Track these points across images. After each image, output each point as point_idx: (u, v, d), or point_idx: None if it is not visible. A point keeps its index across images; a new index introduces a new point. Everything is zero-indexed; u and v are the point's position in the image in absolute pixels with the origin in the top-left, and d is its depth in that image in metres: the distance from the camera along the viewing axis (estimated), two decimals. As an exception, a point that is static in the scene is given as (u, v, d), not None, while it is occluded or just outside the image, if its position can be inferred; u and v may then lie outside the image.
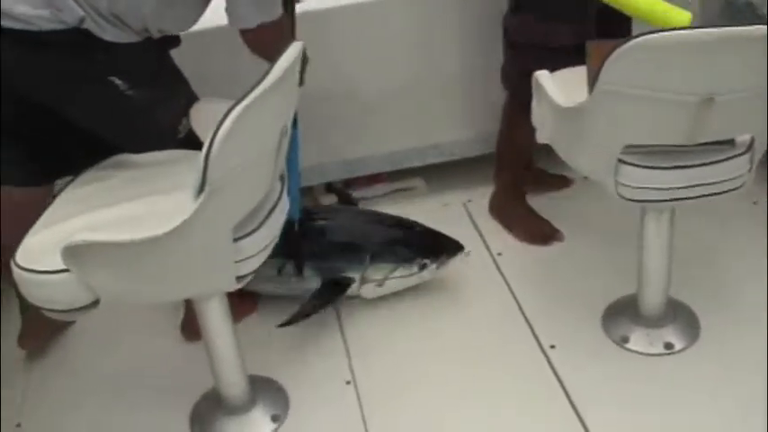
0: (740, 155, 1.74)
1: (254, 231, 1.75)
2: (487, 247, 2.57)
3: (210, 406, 2.08)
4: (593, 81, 1.69)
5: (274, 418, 2.06)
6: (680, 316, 2.17)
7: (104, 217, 1.71)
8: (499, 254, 2.54)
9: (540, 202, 2.67)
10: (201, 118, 1.94)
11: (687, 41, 1.52)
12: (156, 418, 2.08)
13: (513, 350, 2.20)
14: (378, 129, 2.74)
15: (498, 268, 2.48)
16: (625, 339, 2.15)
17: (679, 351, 2.11)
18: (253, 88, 1.53)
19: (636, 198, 1.83)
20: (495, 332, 2.26)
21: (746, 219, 2.49)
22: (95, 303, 1.66)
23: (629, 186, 1.81)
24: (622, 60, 1.58)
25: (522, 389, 2.08)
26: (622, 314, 2.20)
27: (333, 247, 2.36)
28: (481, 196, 2.78)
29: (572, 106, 1.77)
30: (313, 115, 2.26)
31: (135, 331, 2.35)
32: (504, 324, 2.29)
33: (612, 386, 2.05)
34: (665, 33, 1.52)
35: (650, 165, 1.77)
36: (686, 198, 1.81)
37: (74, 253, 1.56)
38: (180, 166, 1.84)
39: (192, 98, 2.01)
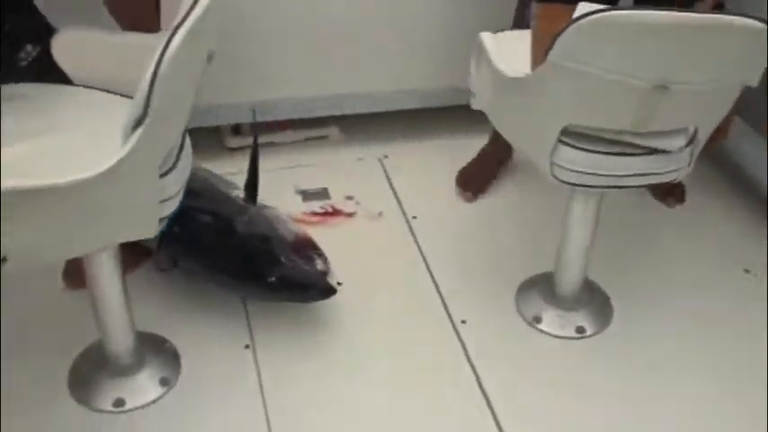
0: (683, 147, 1.66)
1: (174, 166, 1.59)
2: (402, 209, 2.45)
3: (93, 364, 1.90)
4: (543, 51, 1.56)
5: (163, 382, 1.90)
6: (594, 300, 2.12)
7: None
8: (414, 217, 2.42)
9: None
10: (65, 48, 1.75)
11: (652, 22, 1.41)
12: (31, 375, 1.88)
13: (422, 322, 2.10)
14: (295, 71, 2.55)
15: (412, 232, 2.37)
16: (537, 319, 2.08)
17: (590, 335, 2.06)
18: (191, 10, 1.39)
19: (570, 181, 1.73)
20: (404, 301, 2.16)
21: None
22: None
23: (564, 168, 1.71)
24: (580, 35, 1.46)
25: (428, 363, 1.99)
26: (537, 293, 2.13)
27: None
28: (399, 152, 2.66)
29: (517, 76, 1.65)
30: (225, 51, 2.05)
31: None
32: (414, 294, 2.18)
33: (520, 366, 1.99)
34: (630, 12, 1.41)
35: (590, 148, 1.67)
36: (620, 186, 1.73)
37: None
38: (51, 101, 1.67)
39: (42, 26, 1.79)
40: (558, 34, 1.47)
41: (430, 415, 1.87)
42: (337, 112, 2.64)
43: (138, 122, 1.39)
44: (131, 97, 1.42)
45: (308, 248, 2.00)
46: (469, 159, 2.55)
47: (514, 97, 1.70)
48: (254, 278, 1.97)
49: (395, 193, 2.50)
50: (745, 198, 2.49)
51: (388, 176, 2.57)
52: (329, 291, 1.95)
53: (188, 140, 1.69)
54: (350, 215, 2.41)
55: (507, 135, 1.80)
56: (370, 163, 2.63)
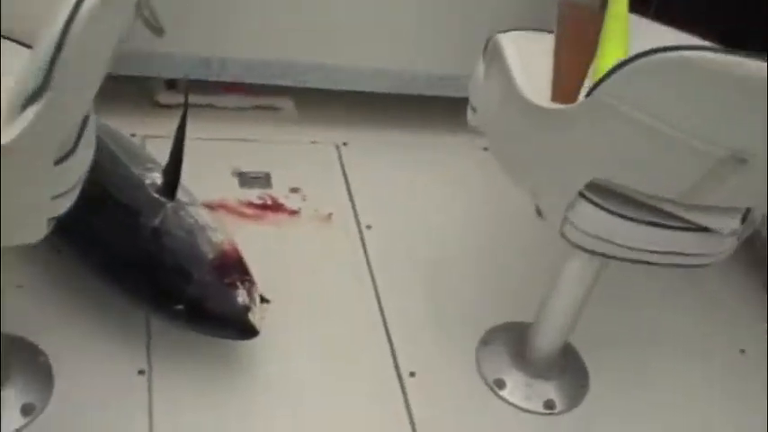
0: (736, 229, 1.30)
1: (73, 151, 1.16)
2: (355, 215, 2.04)
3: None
4: (575, 79, 1.18)
5: (26, 410, 1.47)
6: (569, 369, 1.77)
7: None
8: (368, 227, 2.02)
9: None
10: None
11: (755, 75, 1.03)
12: None
13: (362, 366, 1.72)
14: (253, 27, 2.09)
15: (364, 247, 1.97)
16: (500, 384, 1.72)
17: (558, 412, 1.71)
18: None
19: (584, 246, 1.36)
20: (343, 334, 1.77)
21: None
22: None
23: (579, 230, 1.33)
24: (650, 75, 1.07)
25: (359, 418, 1.62)
26: (503, 349, 1.77)
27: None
28: (361, 141, 2.25)
29: (545, 107, 1.25)
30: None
31: None
32: (356, 327, 1.79)
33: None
34: (730, 57, 1.02)
35: (617, 211, 1.30)
36: (642, 261, 1.36)
37: None
38: None
39: None
40: (619, 67, 1.08)
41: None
42: (295, 84, 2.20)
43: (34, 97, 0.98)
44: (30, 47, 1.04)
45: (231, 270, 1.57)
46: (444, 161, 2.15)
47: (534, 129, 1.30)
48: (157, 301, 1.55)
49: (349, 193, 2.10)
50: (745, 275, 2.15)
51: (344, 169, 2.16)
52: (249, 331, 1.54)
53: (92, 115, 1.25)
54: (293, 213, 2.00)
55: (510, 170, 1.42)
56: (326, 149, 2.22)
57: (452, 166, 2.22)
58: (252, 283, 1.59)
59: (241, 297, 1.54)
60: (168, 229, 1.58)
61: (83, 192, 1.60)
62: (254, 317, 1.54)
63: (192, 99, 2.18)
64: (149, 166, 1.71)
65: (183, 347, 1.63)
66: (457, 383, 1.73)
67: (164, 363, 1.61)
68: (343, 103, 2.29)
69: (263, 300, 1.73)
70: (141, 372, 1.59)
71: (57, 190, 1.12)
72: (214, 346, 1.63)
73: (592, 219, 1.30)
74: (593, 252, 1.36)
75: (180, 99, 2.16)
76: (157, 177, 1.66)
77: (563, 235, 1.36)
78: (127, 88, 2.08)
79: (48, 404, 1.50)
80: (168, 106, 2.19)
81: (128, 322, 1.65)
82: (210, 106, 2.22)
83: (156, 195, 1.63)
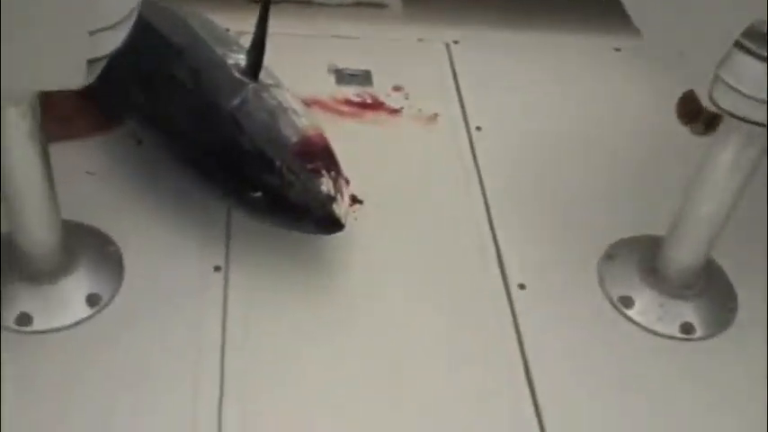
0: None
1: None
2: (464, 115, 1.82)
3: (4, 260, 1.35)
4: None
5: (92, 300, 1.34)
6: (712, 289, 1.50)
7: None
8: (478, 128, 1.79)
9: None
10: None
11: None
12: None
13: (464, 276, 1.50)
14: None
15: (472, 148, 1.74)
16: (627, 302, 1.47)
17: (700, 338, 1.45)
18: None
19: (739, 114, 1.09)
20: (444, 241, 1.56)
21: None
22: None
23: (734, 90, 1.07)
24: None
25: (459, 336, 1.41)
26: (631, 264, 1.52)
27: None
28: (474, 39, 2.00)
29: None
30: None
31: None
32: (459, 234, 1.57)
33: (591, 365, 1.39)
34: None
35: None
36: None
37: None
38: None
39: None
40: None
41: (449, 410, 1.30)
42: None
43: None
44: None
45: (315, 157, 1.38)
46: (566, 62, 1.89)
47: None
48: (235, 188, 1.38)
49: (459, 93, 1.87)
50: None
51: (453, 68, 1.93)
52: (332, 224, 1.35)
53: None
54: (394, 111, 1.80)
55: (643, 24, 1.16)
56: (434, 48, 1.99)
57: (575, 67, 1.96)
58: (339, 174, 1.40)
59: (325, 186, 1.35)
60: (248, 110, 1.40)
61: (162, 76, 1.47)
62: (339, 209, 1.35)
63: (289, -7, 2.03)
64: (234, 48, 1.54)
65: (264, 245, 1.46)
66: (574, 299, 1.49)
67: (242, 260, 1.45)
68: (455, 1, 2.06)
69: (356, 200, 1.56)
70: (217, 268, 1.43)
71: (94, 23, 0.94)
72: (299, 246, 1.46)
73: (750, 74, 1.04)
74: (748, 121, 1.09)
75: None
76: (241, 59, 1.50)
77: (714, 102, 1.10)
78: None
79: (116, 295, 1.36)
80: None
81: (207, 217, 1.49)
82: (308, 2, 2.04)
83: (239, 76, 1.46)
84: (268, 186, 1.34)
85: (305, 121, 1.42)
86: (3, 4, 0.84)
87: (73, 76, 0.96)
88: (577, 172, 1.71)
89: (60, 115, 1.49)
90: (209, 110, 1.41)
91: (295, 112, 1.42)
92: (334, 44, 1.95)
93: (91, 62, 0.97)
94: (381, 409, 1.28)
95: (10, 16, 0.86)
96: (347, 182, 1.42)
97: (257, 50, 1.47)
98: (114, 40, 0.99)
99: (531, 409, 1.31)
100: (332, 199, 1.34)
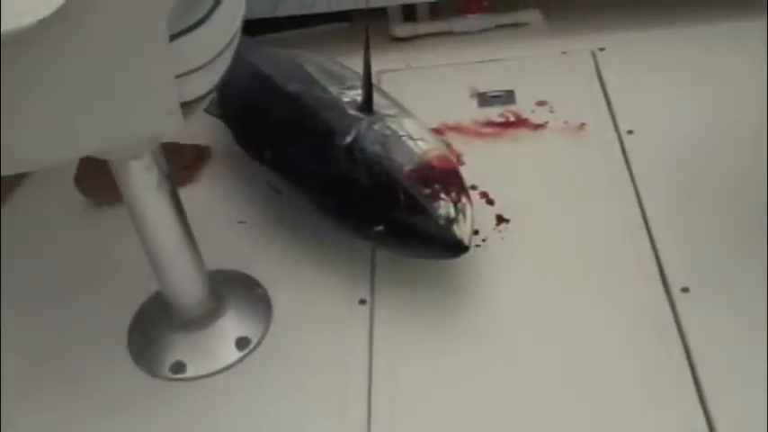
0: None
1: (199, 23, 1.02)
2: (614, 121, 1.72)
3: (157, 312, 1.43)
4: None
5: (241, 344, 1.39)
6: None
7: None
8: (630, 132, 1.68)
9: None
10: None
11: None
12: (86, 328, 1.45)
13: (622, 284, 1.41)
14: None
15: (624, 152, 1.64)
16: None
17: None
18: None
19: None
20: (597, 252, 1.47)
21: None
22: None
23: None
24: None
25: (619, 348, 1.32)
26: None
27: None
28: (621, 44, 1.91)
29: None
30: None
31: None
32: (613, 241, 1.48)
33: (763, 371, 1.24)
34: None
35: None
36: None
37: None
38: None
39: None
40: None
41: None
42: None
43: None
44: None
45: (433, 181, 1.35)
46: (722, 55, 1.75)
47: None
48: (358, 225, 1.40)
49: (607, 99, 1.77)
50: None
51: (600, 76, 1.84)
52: (455, 247, 1.31)
53: None
54: (538, 127, 1.74)
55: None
56: (579, 58, 1.91)
57: (726, 56, 1.80)
58: (461, 194, 1.36)
59: (443, 209, 1.32)
60: (362, 145, 1.40)
61: (284, 126, 1.51)
62: (461, 231, 1.31)
63: (429, 28, 2.05)
64: (349, 84, 1.55)
65: (409, 274, 1.45)
66: (744, 303, 1.34)
67: (387, 291, 1.44)
68: (598, 6, 1.98)
69: (502, 219, 1.51)
70: (362, 301, 1.43)
71: (178, 68, 0.98)
72: (443, 271, 1.43)
73: None
74: None
75: (417, 30, 2.04)
76: (357, 95, 1.51)
77: None
78: (361, 25, 1.97)
79: (265, 337, 1.40)
80: (405, 39, 2.05)
81: (352, 252, 1.50)
82: (450, 33, 2.04)
83: (352, 112, 1.47)
84: (387, 218, 1.34)
85: (423, 146, 1.40)
86: (88, 61, 0.90)
87: (168, 120, 1.01)
88: (736, 168, 1.56)
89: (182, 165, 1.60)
90: (327, 151, 1.43)
91: (411, 138, 1.41)
92: (477, 69, 1.92)
93: (185, 105, 1.01)
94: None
95: (99, 71, 0.91)
96: (468, 198, 1.37)
97: (366, 84, 1.48)
98: (205, 83, 1.03)
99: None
100: (451, 221, 1.30)
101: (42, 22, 0.81)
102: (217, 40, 1.03)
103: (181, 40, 0.97)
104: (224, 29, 1.05)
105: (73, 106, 0.93)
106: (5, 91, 0.85)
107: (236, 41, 1.08)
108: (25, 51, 0.83)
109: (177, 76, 0.98)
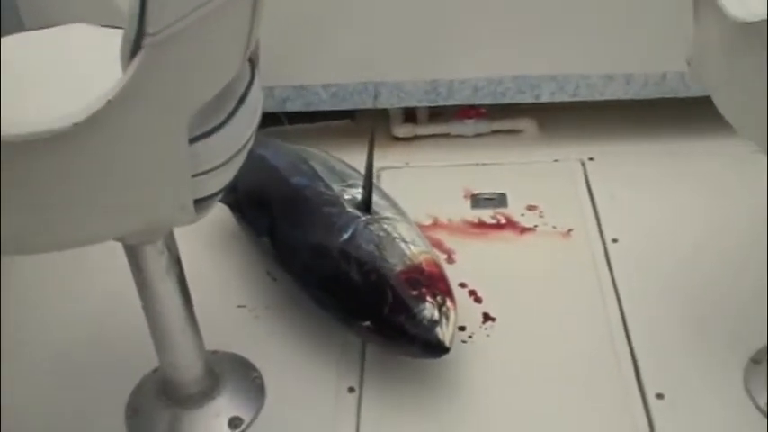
0: None
1: (216, 129, 1.11)
2: (599, 228, 1.82)
3: (156, 387, 1.49)
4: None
5: (234, 423, 1.44)
6: None
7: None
8: (614, 240, 1.78)
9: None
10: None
11: None
12: (86, 401, 1.51)
13: (598, 388, 1.48)
14: (480, 44, 1.99)
15: (607, 260, 1.73)
16: (777, 408, 1.38)
17: None
18: None
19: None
20: (577, 355, 1.54)
21: None
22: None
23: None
24: None
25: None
26: (780, 369, 1.43)
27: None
28: (609, 155, 2.02)
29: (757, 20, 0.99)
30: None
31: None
32: (592, 345, 1.55)
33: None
34: None
35: None
36: None
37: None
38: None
39: None
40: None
41: None
42: (532, 100, 2.05)
43: (136, 44, 0.91)
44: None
45: (421, 284, 1.44)
46: (703, 169, 1.86)
47: (750, 54, 1.04)
48: (347, 318, 1.48)
49: (594, 207, 1.88)
50: None
51: (588, 185, 1.95)
52: (436, 348, 1.39)
53: (257, 82, 1.21)
54: (527, 230, 1.83)
55: (733, 119, 1.15)
56: (569, 166, 2.02)
57: (711, 171, 1.92)
58: (446, 297, 1.44)
59: (428, 311, 1.40)
60: (357, 243, 1.50)
61: (282, 219, 1.60)
62: (443, 333, 1.39)
63: (428, 129, 2.16)
64: (351, 183, 1.66)
65: (397, 365, 1.52)
66: (718, 408, 1.41)
67: (376, 381, 1.51)
68: (589, 116, 2.10)
69: (488, 318, 1.59)
70: (351, 389, 1.50)
71: (195, 168, 1.07)
72: (431, 365, 1.50)
73: None
74: None
75: (416, 131, 2.15)
76: (357, 193, 1.61)
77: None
78: (364, 124, 2.09)
79: (256, 418, 1.46)
80: (405, 139, 2.16)
81: (344, 340, 1.57)
82: (447, 135, 2.15)
83: (351, 210, 1.57)
84: (375, 314, 1.42)
85: (413, 249, 1.49)
86: (114, 160, 0.99)
87: (183, 215, 1.09)
88: (717, 280, 1.65)
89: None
90: (323, 246, 1.52)
91: (404, 240, 1.50)
92: (472, 171, 2.03)
93: (199, 201, 1.10)
94: None
95: (123, 168, 1.00)
96: (453, 301, 1.45)
97: (367, 186, 1.58)
98: (219, 182, 1.12)
99: None
100: (435, 323, 1.38)
101: (76, 125, 0.91)
102: (232, 145, 1.13)
103: (199, 144, 1.07)
104: (239, 135, 1.14)
105: (96, 198, 1.02)
106: (41, 183, 0.94)
107: (249, 146, 1.18)
108: (60, 148, 0.93)
109: (193, 176, 1.07)
